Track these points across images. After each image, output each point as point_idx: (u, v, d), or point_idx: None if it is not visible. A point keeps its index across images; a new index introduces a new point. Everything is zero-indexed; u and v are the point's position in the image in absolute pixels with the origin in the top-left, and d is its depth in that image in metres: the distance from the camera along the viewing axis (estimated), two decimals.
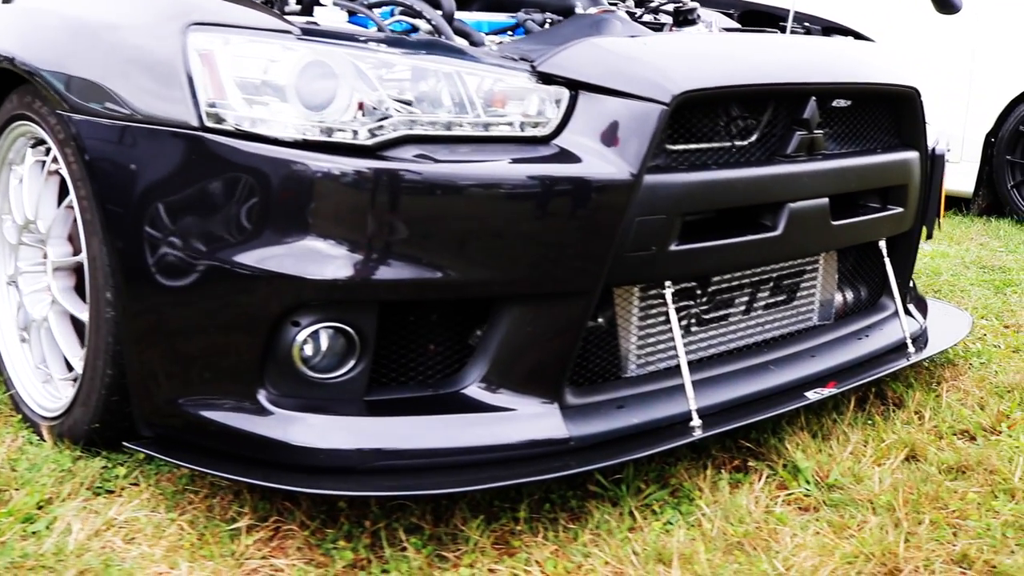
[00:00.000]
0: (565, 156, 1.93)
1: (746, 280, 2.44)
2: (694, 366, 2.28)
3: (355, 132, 1.84)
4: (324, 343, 1.91)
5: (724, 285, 2.39)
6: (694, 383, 2.21)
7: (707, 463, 2.26)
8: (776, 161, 2.25)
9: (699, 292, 2.34)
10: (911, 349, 2.61)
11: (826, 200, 2.33)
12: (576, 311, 1.96)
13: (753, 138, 2.27)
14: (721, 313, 2.40)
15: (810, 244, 2.34)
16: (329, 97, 1.86)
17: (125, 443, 2.03)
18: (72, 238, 2.29)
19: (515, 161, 1.89)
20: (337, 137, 1.84)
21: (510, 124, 1.92)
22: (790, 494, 2.16)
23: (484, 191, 1.86)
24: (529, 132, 1.93)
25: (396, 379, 1.98)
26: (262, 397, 1.91)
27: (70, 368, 2.28)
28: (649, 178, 1.97)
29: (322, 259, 1.83)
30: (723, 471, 2.23)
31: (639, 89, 1.96)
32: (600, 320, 2.17)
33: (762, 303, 2.51)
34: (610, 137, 1.95)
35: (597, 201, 1.92)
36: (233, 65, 1.87)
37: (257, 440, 1.90)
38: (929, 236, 2.78)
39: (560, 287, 1.93)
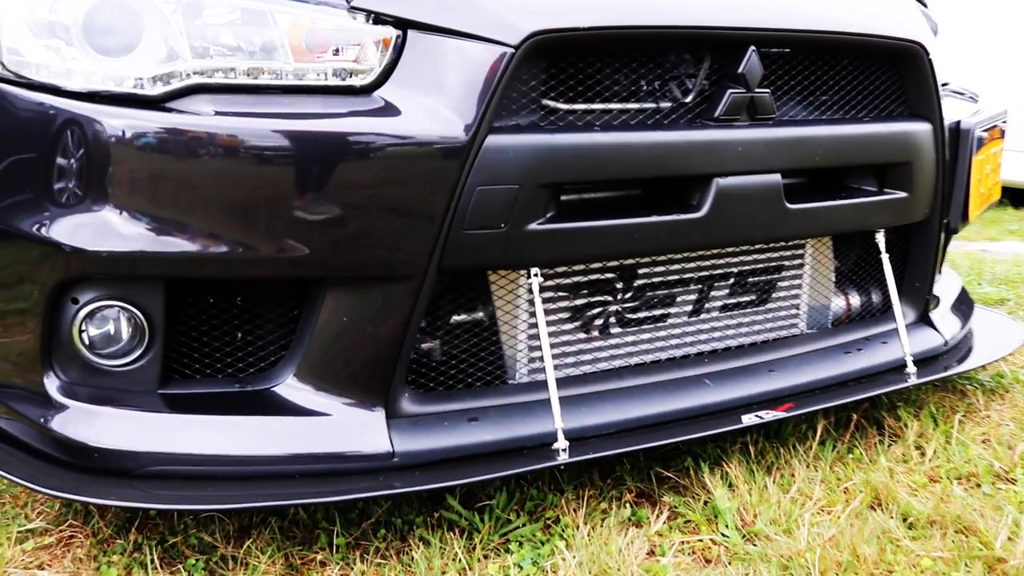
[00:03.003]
0: (386, 110, 1.59)
1: (690, 275, 2.01)
2: (598, 376, 1.88)
3: (141, 81, 1.57)
4: (109, 324, 1.65)
5: (657, 279, 1.97)
6: (592, 396, 1.83)
7: (606, 493, 1.86)
8: (700, 125, 1.82)
9: (619, 286, 1.94)
10: (910, 368, 2.10)
11: (776, 177, 1.88)
12: (402, 299, 1.62)
13: (685, 97, 1.85)
14: (652, 313, 1.99)
15: (754, 231, 1.89)
16: (120, 40, 1.59)
17: None
18: None
19: (321, 116, 1.57)
20: (125, 87, 1.58)
21: (322, 72, 1.60)
22: (699, 540, 1.73)
23: (280, 152, 1.54)
24: (345, 81, 1.60)
25: (201, 371, 1.69)
26: (49, 384, 1.66)
27: None
28: (495, 139, 1.60)
29: (96, 227, 1.56)
30: (621, 505, 1.82)
31: (481, 28, 1.59)
32: (472, 314, 1.81)
33: (717, 304, 2.07)
34: (445, 88, 1.59)
35: (422, 166, 1.57)
36: (24, 3, 1.63)
37: (40, 431, 1.66)
38: (954, 229, 2.25)
39: (379, 269, 1.59)
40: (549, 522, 1.77)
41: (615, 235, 1.73)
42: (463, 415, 1.72)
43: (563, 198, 1.80)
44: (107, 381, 1.66)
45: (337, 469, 1.62)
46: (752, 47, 1.82)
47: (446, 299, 1.77)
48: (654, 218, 1.76)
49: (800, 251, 2.17)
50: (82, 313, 1.62)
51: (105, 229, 1.56)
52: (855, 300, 2.32)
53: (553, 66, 1.72)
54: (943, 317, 2.36)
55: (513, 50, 1.59)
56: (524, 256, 1.67)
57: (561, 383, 1.81)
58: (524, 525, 1.75)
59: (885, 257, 2.14)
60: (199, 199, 1.54)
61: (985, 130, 2.27)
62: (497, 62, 1.58)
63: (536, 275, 1.71)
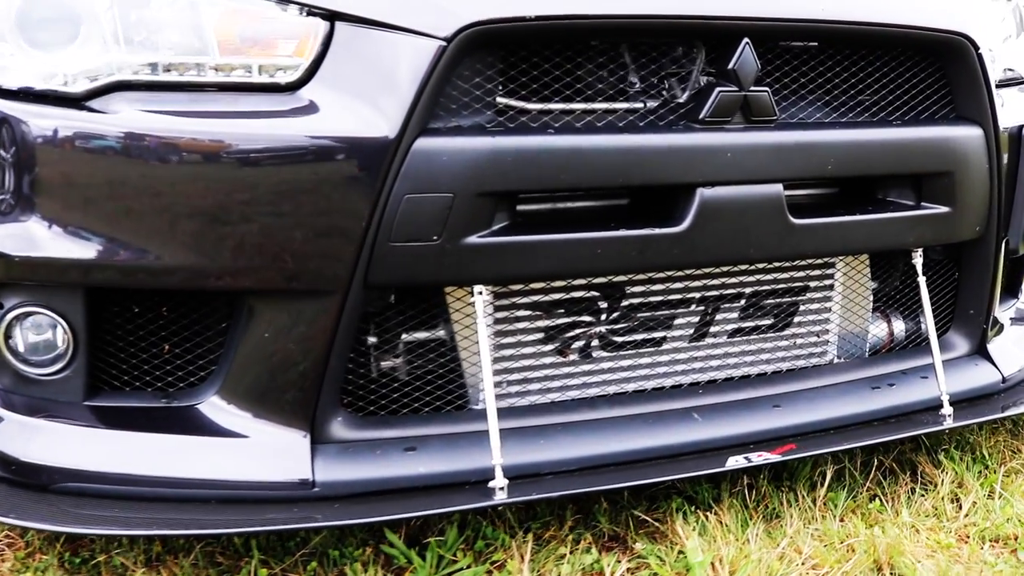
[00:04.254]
0: (308, 110, 1.45)
1: (690, 295, 1.80)
2: (567, 406, 1.70)
3: (68, 78, 1.49)
4: (34, 332, 1.58)
5: (650, 299, 1.77)
6: (554, 428, 1.65)
7: (574, 534, 1.67)
8: (683, 128, 1.61)
9: (603, 306, 1.75)
10: (946, 410, 1.82)
11: (777, 188, 1.65)
12: (324, 315, 1.48)
13: (670, 96, 1.65)
14: (644, 337, 1.79)
15: (749, 249, 1.66)
16: (55, 34, 1.52)
17: None
18: None
19: (240, 116, 1.45)
20: (53, 84, 1.50)
21: (247, 68, 1.48)
22: None
23: (194, 155, 1.43)
24: (272, 78, 1.48)
25: (130, 383, 1.60)
26: None
27: None
28: (425, 142, 1.44)
29: (16, 231, 1.50)
30: (584, 549, 1.63)
31: (410, 20, 1.43)
32: (423, 333, 1.66)
33: (727, 327, 1.85)
34: (371, 86, 1.44)
35: (343, 171, 1.43)
36: None
37: None
38: (1014, 250, 1.95)
39: (298, 283, 1.46)
40: (494, 567, 1.60)
41: (574, 251, 1.55)
42: (399, 444, 1.57)
43: (526, 208, 1.63)
44: (37, 390, 1.60)
45: (252, 496, 1.51)
46: (745, 40, 1.59)
47: (390, 316, 1.63)
48: (623, 232, 1.57)
49: (829, 270, 1.92)
50: (7, 319, 1.56)
51: (24, 233, 1.49)
52: (899, 327, 2.04)
53: (508, 61, 1.55)
54: (1006, 349, 2.05)
55: (444, 43, 1.43)
56: (463, 272, 1.51)
57: (518, 412, 1.64)
58: (468, 567, 1.59)
59: (922, 280, 1.86)
60: (110, 204, 1.45)
61: None
62: (427, 57, 1.43)
63: (481, 293, 1.54)
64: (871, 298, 1.99)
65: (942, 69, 1.82)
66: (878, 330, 2.03)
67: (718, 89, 1.60)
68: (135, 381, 1.60)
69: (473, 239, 1.49)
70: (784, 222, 1.66)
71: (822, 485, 1.80)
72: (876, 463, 1.93)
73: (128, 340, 1.58)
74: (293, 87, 1.47)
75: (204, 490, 1.51)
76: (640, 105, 1.63)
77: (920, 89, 1.81)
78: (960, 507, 1.79)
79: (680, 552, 1.62)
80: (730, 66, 1.59)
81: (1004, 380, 1.99)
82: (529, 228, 1.55)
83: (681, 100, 1.63)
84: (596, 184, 1.55)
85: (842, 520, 1.73)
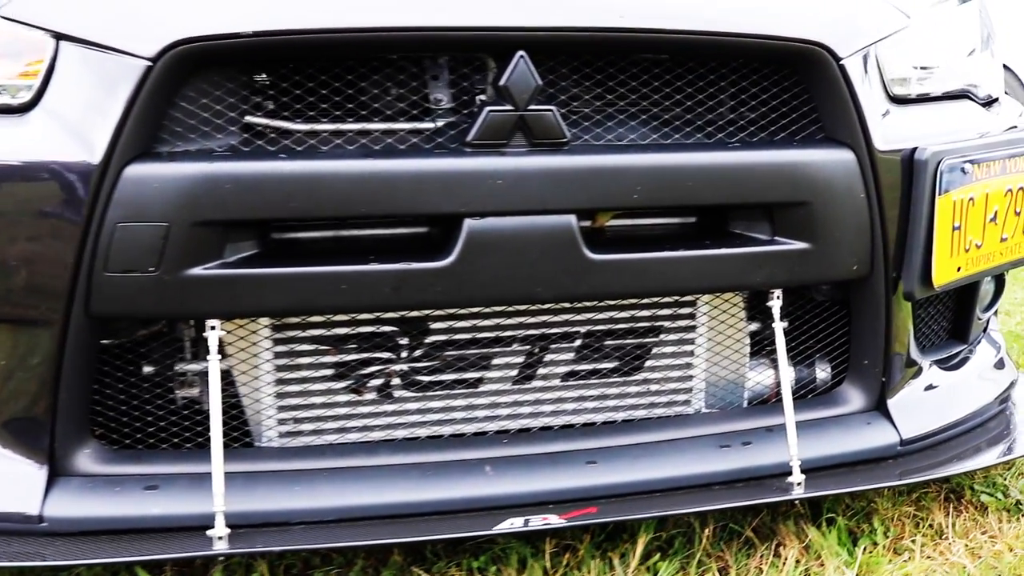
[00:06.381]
0: (32, 133, 1.39)
1: (511, 333, 1.64)
2: (341, 449, 1.58)
3: None
4: None
5: (460, 337, 1.63)
6: (319, 472, 1.54)
7: None
8: (445, 152, 1.45)
9: (404, 342, 1.62)
10: (794, 477, 1.58)
11: (567, 219, 1.46)
12: (47, 345, 1.42)
13: (437, 116, 1.50)
14: (458, 377, 1.64)
15: (535, 287, 1.48)
16: None
17: None
18: None
19: None
20: None
21: None
22: None
23: None
24: (4, 100, 1.43)
25: None
26: None
27: None
28: (138, 169, 1.36)
29: None
30: None
31: (119, 39, 1.35)
32: (186, 366, 1.58)
33: (559, 369, 1.68)
34: (87, 109, 1.37)
35: (55, 196, 1.37)
36: None
37: None
38: (908, 295, 1.67)
39: (15, 310, 1.41)
40: None
41: (314, 286, 1.43)
42: (141, 481, 1.49)
43: (298, 236, 1.52)
44: None
45: None
46: (520, 54, 1.42)
47: (144, 348, 1.56)
48: (374, 267, 1.43)
49: (687, 309, 1.71)
50: None
51: None
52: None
53: (255, 80, 1.45)
54: (915, 406, 1.77)
55: (150, 63, 1.34)
56: (187, 305, 1.42)
57: (279, 455, 1.54)
58: None
59: (778, 327, 1.63)
60: None
61: (970, 160, 1.66)
62: (132, 78, 1.34)
63: (215, 327, 1.44)
64: (748, 342, 1.75)
65: (802, 84, 1.58)
66: (762, 378, 1.80)
67: (488, 109, 1.43)
68: None
69: (198, 271, 1.39)
70: (579, 258, 1.48)
71: (633, 553, 1.59)
72: (731, 530, 1.70)
73: None
74: (23, 109, 1.42)
75: None
76: (409, 126, 1.49)
77: (774, 107, 1.58)
78: None
79: None
80: (502, 83, 1.43)
81: (903, 443, 1.72)
82: (272, 260, 1.44)
83: (452, 121, 1.48)
84: (340, 213, 1.43)
85: None
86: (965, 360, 1.95)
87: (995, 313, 2.05)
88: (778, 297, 1.62)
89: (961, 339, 1.95)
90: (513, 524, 1.48)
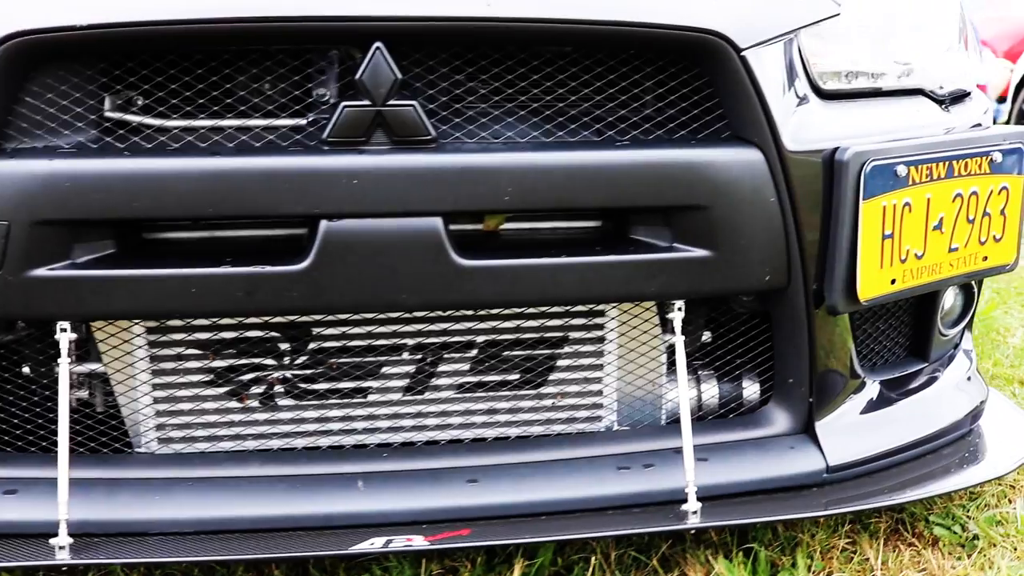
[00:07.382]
0: None
1: (399, 340, 1.56)
2: (213, 458, 1.52)
3: None
4: None
5: (344, 344, 1.55)
6: (183, 482, 1.48)
7: None
8: (297, 150, 1.37)
9: (286, 348, 1.55)
10: (689, 505, 1.44)
11: (432, 222, 1.37)
12: None
13: (294, 113, 1.42)
14: (339, 386, 1.57)
15: (399, 294, 1.38)
16: None
17: None
18: None
19: None
20: None
21: None
22: None
23: None
24: None
25: None
26: None
27: None
28: None
29: None
30: None
31: None
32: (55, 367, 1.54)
33: (448, 382, 1.59)
34: None
35: None
36: None
37: None
38: (832, 308, 1.51)
39: None
40: None
41: (165, 288, 1.36)
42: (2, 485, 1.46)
43: (170, 236, 1.47)
44: None
45: None
46: (377, 45, 1.33)
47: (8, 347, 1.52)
48: (225, 270, 1.36)
49: (597, 319, 1.60)
50: None
51: None
52: (711, 391, 1.66)
53: (112, 74, 1.40)
54: (846, 429, 1.61)
55: None
56: (33, 307, 1.37)
57: (141, 462, 1.49)
58: None
59: (679, 341, 1.50)
60: None
61: (907, 162, 1.49)
62: None
63: (65, 329, 1.40)
64: (664, 356, 1.63)
65: (704, 77, 1.44)
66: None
67: (343, 105, 1.35)
68: None
69: (42, 271, 1.35)
70: (447, 263, 1.38)
71: None
72: (635, 560, 1.58)
73: None
74: None
75: None
76: (270, 123, 1.41)
77: (672, 103, 1.45)
78: None
79: None
80: (358, 76, 1.34)
81: (829, 469, 1.56)
82: (125, 262, 1.39)
83: (318, 118, 1.40)
84: (188, 215, 1.36)
85: None
86: (927, 379, 1.78)
87: (968, 328, 1.86)
88: (679, 309, 1.49)
89: (921, 357, 1.78)
90: (374, 544, 1.39)
